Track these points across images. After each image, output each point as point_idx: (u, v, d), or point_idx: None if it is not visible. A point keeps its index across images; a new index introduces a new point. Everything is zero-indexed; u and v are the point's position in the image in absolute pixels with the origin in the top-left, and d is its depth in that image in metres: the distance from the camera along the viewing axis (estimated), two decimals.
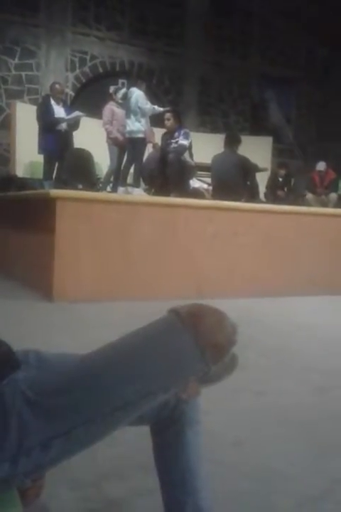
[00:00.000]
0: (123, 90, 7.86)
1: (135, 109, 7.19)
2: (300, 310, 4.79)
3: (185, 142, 7.06)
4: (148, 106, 7.32)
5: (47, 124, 7.32)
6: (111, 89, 8.43)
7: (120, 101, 7.65)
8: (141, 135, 7.25)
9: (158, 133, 7.85)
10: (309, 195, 9.50)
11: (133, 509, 1.48)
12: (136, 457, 1.72)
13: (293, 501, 1.56)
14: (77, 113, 7.65)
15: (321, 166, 9.66)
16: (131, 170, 7.58)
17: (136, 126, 7.21)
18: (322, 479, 1.70)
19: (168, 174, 7.03)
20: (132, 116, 7.22)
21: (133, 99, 7.22)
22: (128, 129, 7.31)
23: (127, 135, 7.38)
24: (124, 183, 7.49)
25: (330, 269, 5.70)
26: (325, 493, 1.62)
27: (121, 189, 7.31)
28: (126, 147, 7.52)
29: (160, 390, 0.88)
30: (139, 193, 6.93)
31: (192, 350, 0.86)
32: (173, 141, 7.10)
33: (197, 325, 0.87)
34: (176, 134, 7.10)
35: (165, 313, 0.91)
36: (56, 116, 7.40)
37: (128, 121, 7.28)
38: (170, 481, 1.14)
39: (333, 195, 9.37)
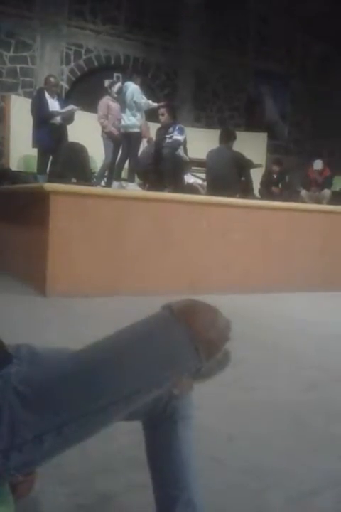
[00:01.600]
0: (119, 84, 7.85)
1: (130, 104, 7.17)
2: (293, 306, 4.80)
3: (180, 137, 7.05)
4: (143, 100, 7.30)
5: (41, 118, 7.28)
6: (107, 83, 8.43)
7: (115, 95, 7.64)
8: (136, 130, 7.23)
9: (153, 128, 7.85)
10: (303, 192, 9.52)
11: (124, 504, 1.48)
12: (128, 452, 1.72)
13: (285, 497, 1.57)
14: (71, 106, 7.62)
15: (318, 164, 9.67)
16: (126, 165, 7.56)
17: (132, 120, 7.19)
18: (315, 475, 1.71)
19: (162, 169, 7.03)
20: (127, 111, 7.19)
21: (128, 94, 7.19)
22: (123, 123, 7.29)
23: (122, 130, 7.35)
24: (119, 178, 7.47)
25: (324, 266, 5.72)
26: (316, 489, 1.63)
27: (115, 184, 7.29)
28: (121, 142, 7.50)
29: (153, 386, 0.88)
30: (133, 188, 6.92)
31: (186, 346, 0.86)
32: (168, 136, 7.09)
33: (190, 321, 0.87)
34: (171, 128, 7.09)
35: (159, 309, 0.91)
36: (50, 109, 7.37)
37: (124, 116, 7.25)
38: (162, 476, 1.14)
39: (327, 192, 9.39)
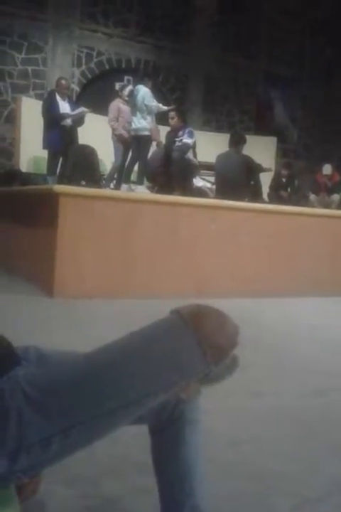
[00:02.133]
0: (130, 87, 7.85)
1: (141, 107, 7.18)
2: (301, 311, 4.78)
3: (189, 141, 7.07)
4: (154, 104, 7.31)
5: (52, 119, 7.32)
6: (117, 86, 8.43)
7: (126, 98, 7.64)
8: (146, 133, 7.24)
9: (163, 131, 7.85)
10: (312, 196, 9.49)
11: (130, 508, 1.48)
12: (134, 456, 1.72)
13: (291, 502, 1.56)
14: (82, 109, 7.64)
15: (327, 169, 9.63)
16: (135, 167, 7.56)
17: (142, 123, 7.19)
18: (320, 481, 1.70)
19: (171, 172, 7.04)
20: (138, 114, 7.20)
21: (139, 97, 7.20)
22: (133, 126, 7.30)
23: (132, 132, 7.37)
24: (128, 181, 7.48)
25: (332, 271, 5.70)
26: (323, 495, 1.62)
27: (124, 186, 7.31)
28: (131, 144, 7.50)
29: (161, 390, 0.88)
30: (142, 191, 6.93)
31: (194, 351, 0.86)
32: (178, 139, 7.10)
33: (199, 326, 0.87)
34: (180, 132, 7.10)
35: (167, 314, 0.91)
36: (61, 111, 7.40)
37: (134, 119, 7.26)
38: (167, 480, 1.14)
39: (336, 197, 9.35)
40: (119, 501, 1.50)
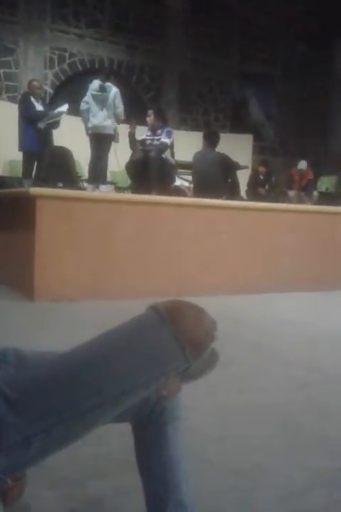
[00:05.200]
0: (98, 82, 7.44)
1: (110, 105, 7.09)
2: (281, 307, 4.82)
3: (167, 140, 7.05)
4: (121, 108, 7.23)
5: (30, 119, 7.26)
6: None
7: (95, 92, 7.28)
8: (111, 132, 7.18)
9: (141, 131, 7.80)
10: (290, 193, 9.59)
11: (115, 507, 1.48)
12: (118, 455, 1.72)
13: (276, 496, 1.57)
14: (63, 107, 7.53)
15: (302, 164, 9.76)
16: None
17: (107, 122, 7.11)
18: (304, 474, 1.71)
19: (149, 172, 7.02)
20: (105, 111, 7.08)
21: (111, 95, 7.12)
22: (95, 122, 7.11)
23: (94, 130, 7.17)
24: (104, 180, 7.42)
25: (311, 266, 5.75)
26: (307, 488, 1.63)
27: (102, 187, 7.25)
28: (91, 142, 7.31)
29: (141, 387, 0.88)
30: (106, 190, 6.90)
31: (172, 346, 0.86)
32: (156, 138, 7.09)
33: (176, 321, 0.87)
34: (159, 131, 7.09)
35: (145, 310, 0.91)
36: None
37: (99, 115, 7.09)
38: (151, 477, 1.14)
39: (315, 193, 9.48)
40: (105, 501, 1.50)
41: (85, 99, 7.29)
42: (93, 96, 7.23)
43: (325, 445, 1.96)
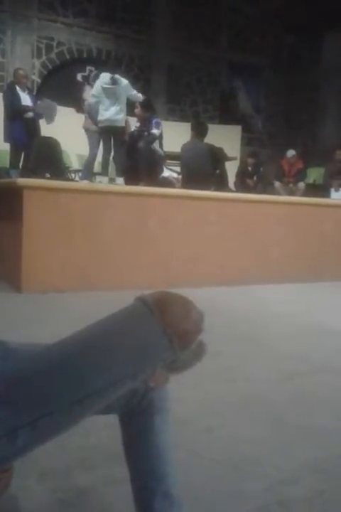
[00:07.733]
0: (108, 75, 7.12)
1: (121, 98, 6.90)
2: (269, 298, 4.84)
3: (156, 131, 7.04)
4: (133, 92, 7.09)
5: (14, 112, 7.19)
6: (79, 76, 8.16)
7: (107, 85, 6.99)
8: (122, 124, 7.01)
9: (132, 122, 7.76)
10: (277, 184, 9.59)
11: (103, 498, 1.48)
12: (106, 446, 1.72)
13: (263, 486, 1.59)
14: (49, 104, 7.45)
15: (290, 153, 9.76)
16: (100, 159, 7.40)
17: (120, 115, 6.91)
18: (292, 464, 1.73)
19: (137, 163, 6.99)
20: (116, 105, 6.87)
21: (121, 88, 6.90)
22: (107, 116, 6.88)
23: (106, 123, 6.93)
24: (107, 173, 7.29)
25: (299, 258, 5.78)
26: (294, 478, 1.65)
27: (105, 179, 7.12)
28: (101, 135, 7.14)
29: (128, 378, 0.88)
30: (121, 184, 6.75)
31: (159, 338, 0.86)
32: (145, 128, 7.06)
33: (163, 312, 0.87)
34: (150, 121, 7.05)
35: (132, 301, 0.91)
36: (22, 103, 7.27)
37: (112, 108, 6.88)
38: (139, 469, 1.14)
39: (301, 184, 9.48)
40: (92, 492, 1.50)
41: (93, 92, 7.06)
42: (104, 89, 6.94)
43: (312, 435, 1.97)
